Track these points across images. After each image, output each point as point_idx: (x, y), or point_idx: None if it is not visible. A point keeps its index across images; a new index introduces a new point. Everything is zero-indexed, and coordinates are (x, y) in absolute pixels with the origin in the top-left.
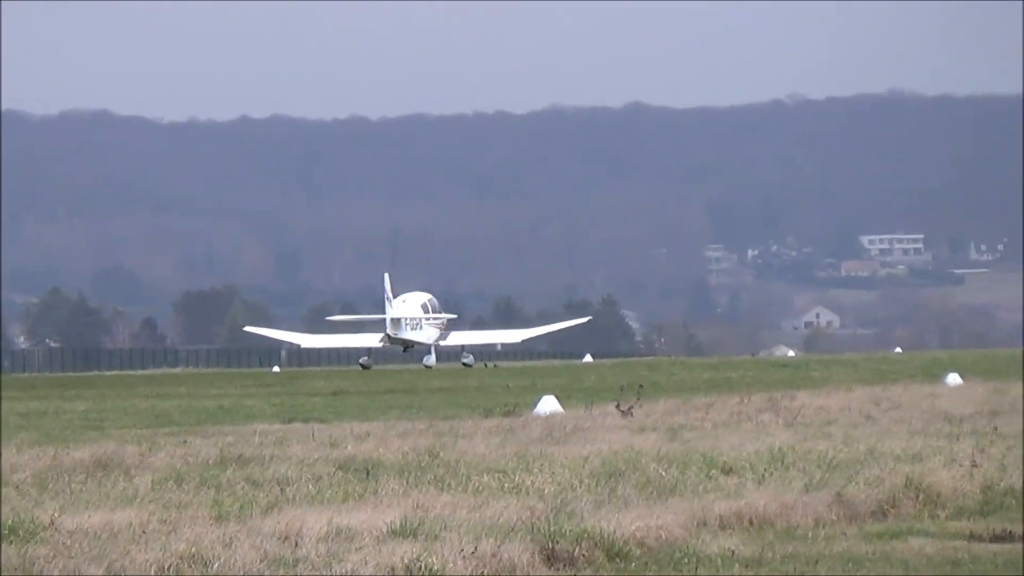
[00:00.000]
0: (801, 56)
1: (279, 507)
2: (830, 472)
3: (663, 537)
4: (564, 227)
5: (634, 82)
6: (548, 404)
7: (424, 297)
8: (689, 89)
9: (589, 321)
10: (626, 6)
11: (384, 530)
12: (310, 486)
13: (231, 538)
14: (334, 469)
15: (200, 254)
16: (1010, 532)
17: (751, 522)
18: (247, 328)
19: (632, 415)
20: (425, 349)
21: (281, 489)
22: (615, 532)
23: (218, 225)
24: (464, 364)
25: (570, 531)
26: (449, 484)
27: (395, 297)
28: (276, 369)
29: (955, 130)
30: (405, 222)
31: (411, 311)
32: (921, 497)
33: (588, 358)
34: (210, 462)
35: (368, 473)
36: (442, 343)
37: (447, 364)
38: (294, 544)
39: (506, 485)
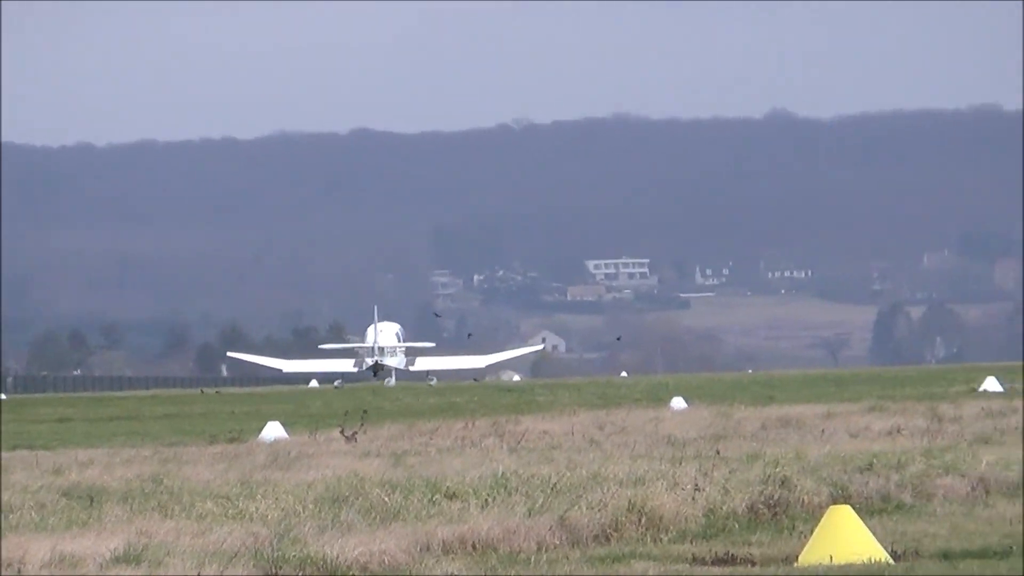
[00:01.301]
0: (527, 81)
1: (2, 535)
2: (553, 496)
3: (386, 562)
4: (291, 253)
5: (360, 108)
6: (273, 430)
7: (395, 327)
8: (415, 114)
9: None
10: (350, 36)
11: (108, 556)
12: (33, 513)
13: None
14: (58, 496)
15: None
16: (732, 555)
17: (474, 546)
18: (229, 353)
19: (356, 440)
20: (389, 372)
21: (4, 516)
22: (338, 557)
23: None
24: (429, 384)
25: (294, 556)
26: (173, 510)
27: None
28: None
29: (680, 155)
30: (132, 248)
31: (388, 340)
32: (644, 521)
33: (314, 383)
34: None
35: (92, 500)
36: (411, 368)
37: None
38: (17, 571)
39: (230, 511)
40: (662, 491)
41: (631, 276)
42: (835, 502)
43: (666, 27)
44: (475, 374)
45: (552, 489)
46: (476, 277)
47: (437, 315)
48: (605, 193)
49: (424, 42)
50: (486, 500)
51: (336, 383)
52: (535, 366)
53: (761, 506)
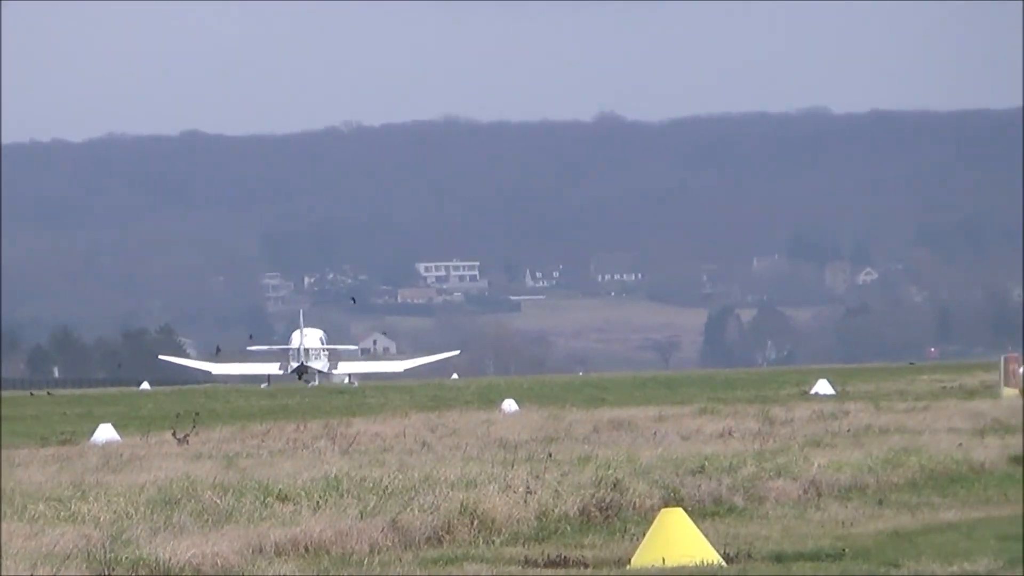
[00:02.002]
0: (357, 84)
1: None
2: (385, 499)
3: (219, 564)
4: (121, 255)
5: (191, 111)
6: (105, 432)
7: (319, 332)
8: (245, 117)
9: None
10: (178, 38)
11: None
12: None
13: None
14: None
15: None
16: (564, 558)
17: (307, 549)
18: (161, 356)
19: (188, 443)
20: (313, 375)
21: None
22: (171, 559)
23: None
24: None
25: (126, 558)
26: (5, 513)
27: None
28: None
29: (510, 158)
30: None
31: (312, 343)
32: (476, 523)
33: (146, 385)
34: None
35: None
36: (334, 372)
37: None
38: None
39: (62, 513)
40: (494, 494)
41: (461, 279)
42: (667, 505)
43: (495, 30)
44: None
45: (384, 491)
46: (307, 279)
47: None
48: (435, 196)
49: (253, 44)
50: (318, 502)
51: (264, 385)
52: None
53: (593, 509)
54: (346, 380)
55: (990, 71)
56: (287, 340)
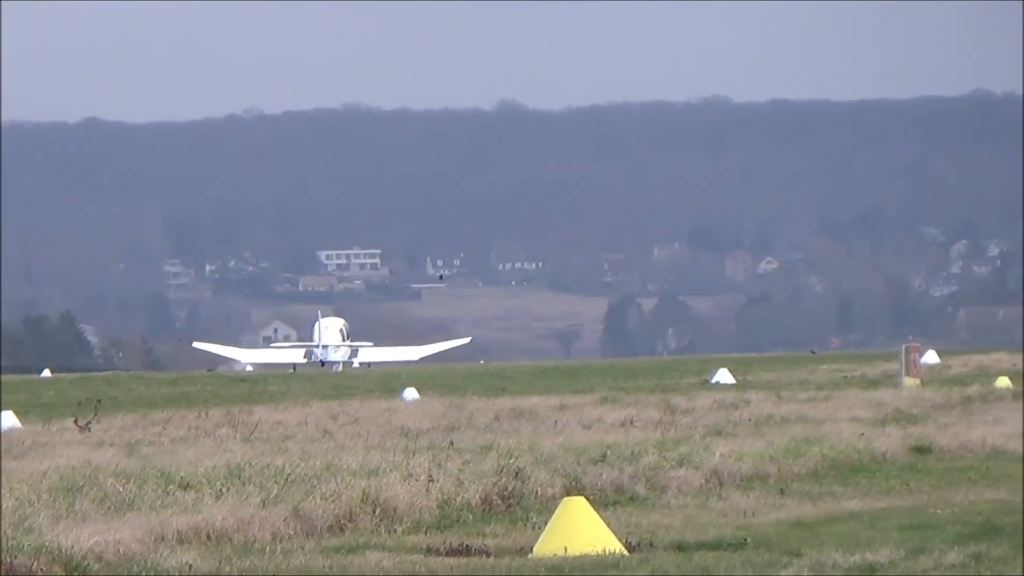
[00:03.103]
0: (257, 71)
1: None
2: (287, 487)
3: (121, 552)
4: (20, 241)
5: (90, 98)
6: (7, 420)
7: (339, 323)
8: (145, 104)
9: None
10: (79, 27)
11: None
12: None
13: None
14: None
15: None
16: (467, 546)
17: (208, 536)
18: (195, 344)
19: (90, 430)
20: (333, 365)
21: None
22: (73, 547)
23: None
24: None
25: (28, 546)
26: None
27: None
28: None
29: (411, 146)
30: None
31: (333, 338)
32: (378, 511)
33: (47, 373)
34: None
35: None
36: (353, 359)
37: None
38: None
39: None
40: (396, 482)
41: (362, 267)
42: (569, 493)
43: (397, 17)
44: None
45: (286, 480)
46: (208, 267)
47: (441, 277)
48: (336, 183)
49: (153, 31)
50: (220, 490)
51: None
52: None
53: (495, 497)
54: (368, 368)
55: (889, 60)
56: (190, 327)
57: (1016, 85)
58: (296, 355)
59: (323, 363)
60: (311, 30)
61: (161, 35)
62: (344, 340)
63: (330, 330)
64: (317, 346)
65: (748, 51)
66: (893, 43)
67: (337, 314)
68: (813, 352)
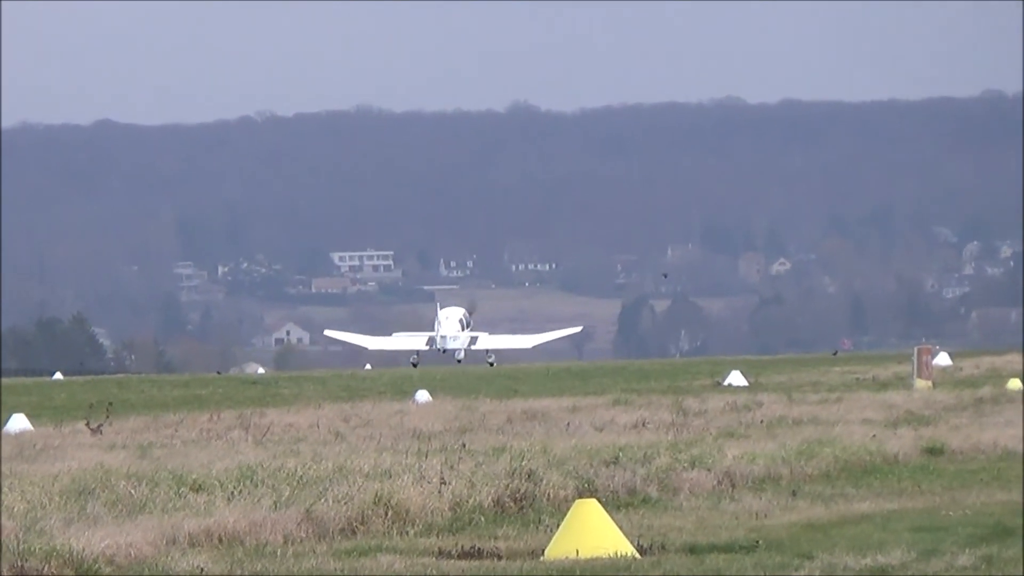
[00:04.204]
0: (270, 74)
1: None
2: (299, 489)
3: (133, 555)
4: (32, 244)
5: (103, 100)
6: (18, 422)
7: (460, 312)
8: (158, 106)
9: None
10: (90, 28)
11: None
12: None
13: None
14: None
15: None
16: (478, 549)
17: (220, 539)
18: (327, 332)
19: (102, 433)
20: (457, 352)
21: None
22: (84, 550)
23: None
24: (489, 363)
25: (40, 549)
26: None
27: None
28: None
29: (424, 148)
30: None
31: (453, 328)
32: (390, 514)
33: (58, 375)
34: None
35: None
36: (473, 347)
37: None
38: None
39: None
40: (408, 484)
41: (376, 268)
42: (581, 496)
43: (409, 21)
44: (523, 354)
45: (298, 482)
46: (220, 269)
47: (665, 276)
48: (349, 185)
49: (165, 32)
50: (232, 493)
51: (412, 359)
52: (279, 358)
53: (507, 500)
54: (487, 355)
55: (900, 61)
56: (202, 329)
57: None
58: (419, 343)
59: (444, 351)
60: (323, 32)
61: (172, 37)
62: (463, 329)
63: (450, 320)
64: (439, 335)
65: (760, 52)
66: (904, 44)
67: (351, 316)
68: (835, 353)
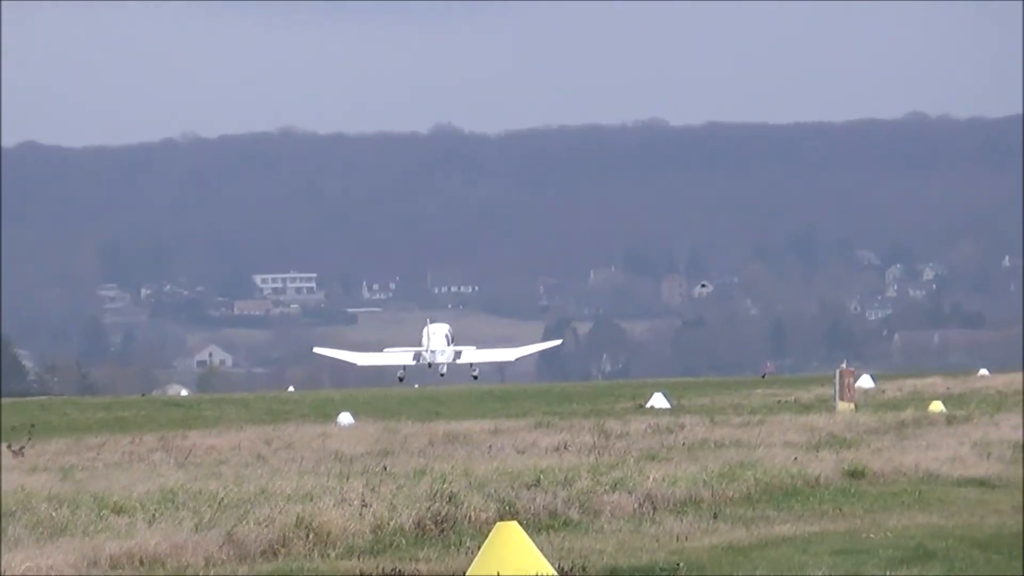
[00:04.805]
0: (194, 96)
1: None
2: (221, 512)
3: None
4: None
5: (26, 122)
6: None
7: (445, 328)
8: (82, 128)
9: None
10: (15, 44)
11: None
12: None
13: None
14: None
15: None
16: (400, 571)
17: (142, 562)
18: (316, 349)
19: (24, 455)
20: (442, 367)
21: None
22: (6, 572)
23: None
24: (473, 377)
25: None
26: None
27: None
28: None
29: (347, 169)
30: None
31: (439, 343)
32: (312, 536)
33: None
34: None
35: None
36: (458, 361)
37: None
38: None
39: None
40: (330, 507)
41: (299, 291)
42: (502, 518)
43: (332, 44)
44: (505, 366)
45: (219, 504)
46: (144, 291)
47: (704, 285)
48: (272, 208)
49: (88, 54)
50: (154, 515)
51: (399, 374)
52: (202, 381)
53: (429, 522)
54: (471, 368)
55: (822, 85)
56: (125, 351)
57: (950, 108)
58: (407, 358)
59: (430, 365)
60: (246, 54)
61: (97, 59)
62: (448, 344)
63: (437, 335)
64: (426, 350)
65: (684, 75)
66: (828, 66)
67: (273, 339)
68: (764, 376)
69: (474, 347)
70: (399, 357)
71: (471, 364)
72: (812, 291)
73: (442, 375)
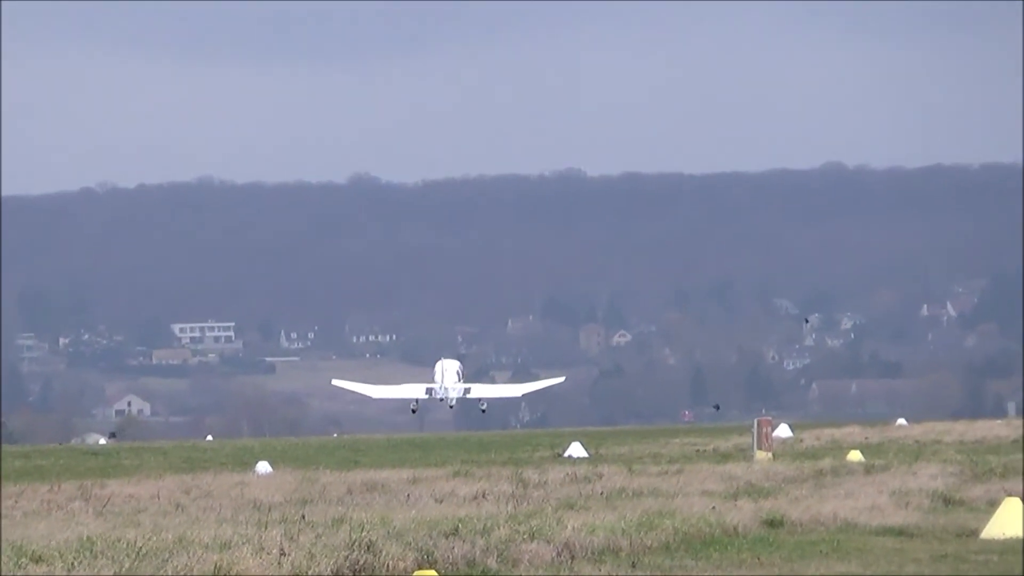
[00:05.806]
0: (111, 144)
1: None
2: (139, 561)
3: None
4: None
5: None
6: None
7: (456, 365)
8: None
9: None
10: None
11: None
12: None
13: None
14: None
15: None
16: None
17: None
18: (335, 381)
19: None
20: (453, 401)
21: None
22: None
23: None
24: (481, 411)
25: None
26: None
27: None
28: None
29: (265, 218)
30: None
31: (451, 379)
32: None
33: None
34: None
35: None
36: (467, 396)
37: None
38: None
39: None
40: (248, 555)
41: (217, 339)
42: (420, 567)
43: (250, 91)
44: (513, 402)
45: (138, 553)
46: (62, 340)
47: (717, 408)
48: (190, 256)
49: (7, 104)
50: (72, 564)
51: (412, 406)
52: (120, 429)
53: (347, 571)
54: (479, 403)
55: (740, 134)
56: (43, 399)
57: (869, 158)
58: (419, 391)
59: (441, 399)
60: (164, 104)
61: (12, 108)
62: (459, 380)
63: (449, 372)
64: (439, 385)
65: (601, 125)
66: (746, 115)
67: (191, 388)
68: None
69: (483, 384)
70: (413, 390)
71: (480, 399)
72: (730, 340)
73: (451, 407)
